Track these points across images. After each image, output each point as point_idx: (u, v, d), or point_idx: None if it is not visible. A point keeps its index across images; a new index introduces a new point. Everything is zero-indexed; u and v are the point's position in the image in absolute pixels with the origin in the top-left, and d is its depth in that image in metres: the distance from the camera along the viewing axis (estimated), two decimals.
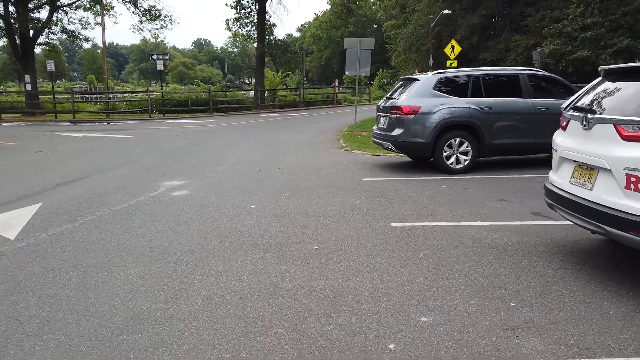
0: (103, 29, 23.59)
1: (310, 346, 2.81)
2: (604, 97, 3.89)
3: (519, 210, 5.84)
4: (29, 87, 26.10)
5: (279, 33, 63.21)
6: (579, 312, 3.20)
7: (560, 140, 4.24)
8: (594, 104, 3.91)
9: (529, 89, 8.50)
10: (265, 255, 4.34)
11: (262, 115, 25.58)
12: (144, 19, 30.42)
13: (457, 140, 8.30)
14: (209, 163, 9.80)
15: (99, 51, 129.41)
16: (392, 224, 5.30)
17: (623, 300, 3.35)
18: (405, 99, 8.39)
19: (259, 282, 3.75)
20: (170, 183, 7.71)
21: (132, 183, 7.69)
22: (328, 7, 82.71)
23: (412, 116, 8.24)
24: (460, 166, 8.37)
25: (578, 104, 4.14)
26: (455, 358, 2.67)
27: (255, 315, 3.19)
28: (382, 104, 9.19)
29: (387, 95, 9.37)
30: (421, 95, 8.34)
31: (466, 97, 8.34)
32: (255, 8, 32.10)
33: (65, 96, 29.52)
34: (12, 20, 25.57)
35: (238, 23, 33.58)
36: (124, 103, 30.03)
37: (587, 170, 3.73)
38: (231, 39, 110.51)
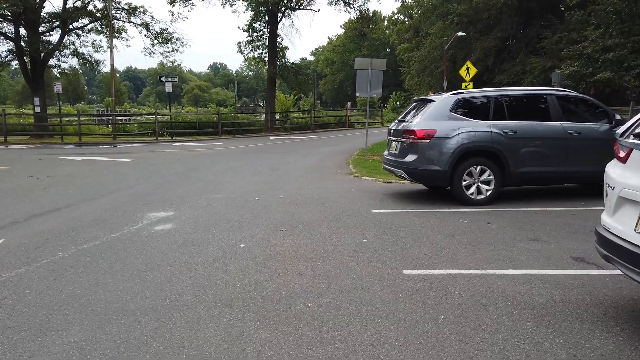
0: (111, 51, 23.39)
1: None
2: None
3: (556, 253, 4.89)
4: (37, 109, 25.92)
5: (291, 56, 63.59)
6: None
7: (618, 174, 3.33)
8: None
9: (558, 111, 7.60)
10: (245, 317, 3.47)
11: (271, 138, 24.97)
12: (155, 42, 30.37)
13: (478, 168, 7.40)
14: (205, 191, 9.03)
15: (117, 75, 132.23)
16: (405, 271, 4.39)
17: None
18: (419, 121, 7.56)
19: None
20: (156, 214, 6.92)
21: (114, 214, 6.91)
22: (342, 31, 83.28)
23: (427, 141, 7.39)
24: (481, 197, 7.45)
25: None
26: None
27: None
28: (394, 127, 8.37)
29: (400, 118, 8.56)
30: (437, 117, 7.51)
31: (488, 119, 7.48)
32: (267, 31, 31.91)
33: (73, 119, 29.37)
34: (22, 44, 25.57)
35: (250, 46, 33.44)
36: (135, 125, 29.80)
37: None
38: (246, 63, 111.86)
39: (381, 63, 14.53)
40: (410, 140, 7.57)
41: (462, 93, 7.74)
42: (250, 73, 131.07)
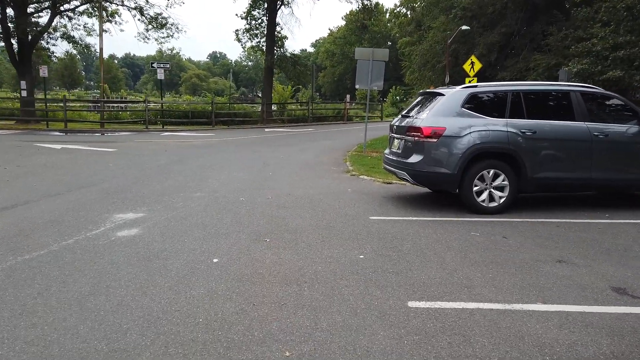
0: (101, 35, 22.30)
1: None
2: None
3: (591, 282, 4.06)
4: (24, 93, 24.85)
5: (291, 46, 62.53)
6: None
7: None
8: None
9: (582, 109, 6.74)
10: None
11: (267, 130, 24.05)
12: (149, 27, 29.27)
13: (491, 171, 6.55)
14: (185, 187, 8.15)
15: (115, 62, 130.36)
16: (410, 304, 3.55)
17: None
18: (426, 118, 6.69)
19: None
20: (124, 216, 6.04)
21: (75, 215, 6.03)
22: (343, 23, 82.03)
23: (435, 140, 6.52)
24: (494, 204, 6.60)
25: None
26: None
27: None
28: (397, 123, 7.49)
29: (403, 113, 7.68)
30: (447, 113, 6.64)
31: (504, 117, 6.61)
32: (266, 19, 30.87)
33: (59, 104, 28.33)
34: (9, 25, 24.45)
35: (248, 34, 32.39)
36: (128, 113, 28.81)
37: None
38: (245, 53, 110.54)
39: (383, 53, 13.62)
40: (416, 138, 6.70)
41: (475, 87, 6.87)
42: (250, 63, 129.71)
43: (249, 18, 31.78)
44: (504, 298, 3.69)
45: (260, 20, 31.77)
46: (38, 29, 25.10)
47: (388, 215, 6.44)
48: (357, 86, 13.98)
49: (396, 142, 7.42)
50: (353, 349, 2.88)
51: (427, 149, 6.57)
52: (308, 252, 4.77)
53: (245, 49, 34.79)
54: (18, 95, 26.90)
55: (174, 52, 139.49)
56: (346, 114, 33.52)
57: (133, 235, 5.21)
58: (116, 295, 3.59)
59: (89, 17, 28.97)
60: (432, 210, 6.82)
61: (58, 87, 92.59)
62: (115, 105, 33.13)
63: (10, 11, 24.55)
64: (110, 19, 28.93)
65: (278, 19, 31.13)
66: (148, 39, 30.50)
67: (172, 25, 29.49)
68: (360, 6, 34.14)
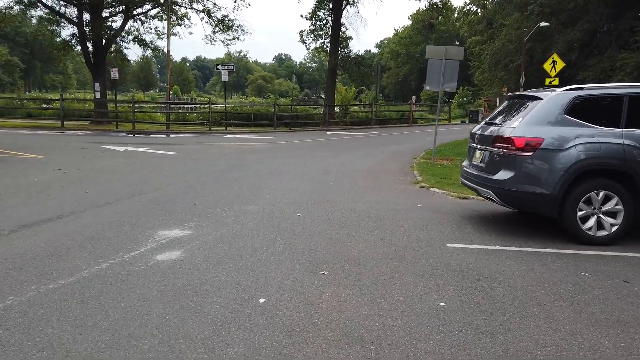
0: (168, 37, 22.62)
1: None
2: None
3: None
4: (98, 95, 25.85)
5: (355, 47, 61.72)
6: None
7: None
8: None
9: None
10: None
11: (328, 132, 23.33)
12: (216, 29, 29.60)
13: (601, 193, 5.33)
14: (239, 198, 7.52)
15: (187, 64, 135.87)
16: None
17: None
18: (519, 126, 5.57)
19: None
20: (169, 233, 5.45)
21: (117, 231, 5.52)
22: (409, 22, 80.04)
23: (529, 153, 5.40)
24: (603, 234, 5.37)
25: None
26: None
27: None
28: (479, 132, 6.40)
29: (487, 119, 6.57)
30: (545, 121, 5.49)
31: (618, 127, 5.37)
32: (331, 19, 30.23)
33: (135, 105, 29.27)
34: (85, 28, 25.50)
35: (312, 35, 31.94)
36: (194, 114, 29.29)
37: None
38: (310, 54, 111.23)
39: (457, 52, 12.41)
40: (505, 150, 5.60)
41: (581, 89, 5.64)
42: (314, 65, 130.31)
43: (313, 19, 31.34)
44: None
45: (325, 20, 31.22)
46: (112, 32, 25.99)
47: (469, 242, 5.41)
48: (427, 87, 12.87)
49: (478, 153, 6.33)
50: None
51: (520, 164, 5.45)
52: (374, 293, 3.88)
53: (310, 50, 34.47)
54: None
55: (242, 54, 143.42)
56: (411, 116, 32.12)
57: (174, 259, 4.57)
58: (137, 351, 2.90)
59: (159, 20, 29.80)
60: (522, 236, 5.69)
61: (134, 89, 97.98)
62: (182, 106, 33.88)
63: (87, 16, 25.67)
64: (179, 22, 29.64)
65: (343, 19, 30.45)
66: (215, 41, 30.81)
67: (238, 27, 29.67)
68: (428, 4, 32.67)
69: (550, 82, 22.08)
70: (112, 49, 27.69)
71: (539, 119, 5.52)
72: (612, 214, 5.37)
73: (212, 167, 10.80)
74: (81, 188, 8.02)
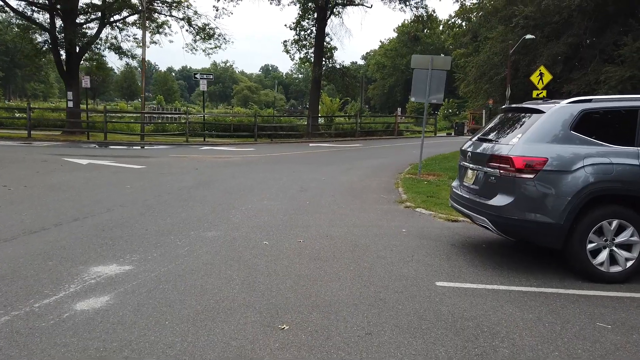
0: (143, 44, 21.66)
1: None
2: None
3: None
4: (70, 104, 24.69)
5: (341, 57, 61.33)
6: None
7: None
8: None
9: None
10: None
11: (311, 145, 22.53)
12: (197, 37, 28.73)
13: (615, 222, 4.56)
14: (200, 222, 6.62)
15: (172, 74, 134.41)
16: None
17: None
18: (518, 143, 4.79)
19: None
20: (103, 270, 4.53)
21: (39, 267, 4.57)
22: (394, 35, 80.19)
23: (531, 175, 4.62)
24: (617, 270, 4.60)
25: None
26: None
27: None
28: (471, 149, 5.61)
29: (480, 135, 5.79)
30: (548, 138, 4.72)
31: (633, 145, 4.63)
32: (315, 29, 29.64)
33: (111, 115, 28.14)
34: (59, 35, 24.40)
35: (297, 45, 31.31)
36: (175, 125, 28.27)
37: None
38: (296, 65, 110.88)
39: (444, 62, 11.72)
40: (502, 171, 4.82)
41: (589, 101, 4.89)
42: (300, 76, 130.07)
43: (298, 29, 30.74)
44: None
45: (309, 30, 30.64)
46: (85, 39, 24.92)
47: (462, 280, 4.58)
48: (412, 98, 12.13)
49: (471, 173, 5.54)
50: None
51: (520, 187, 4.67)
52: (346, 359, 3.02)
53: (294, 60, 33.87)
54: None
55: (228, 64, 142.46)
56: (397, 128, 31.54)
57: (97, 309, 3.65)
58: None
59: (138, 28, 28.83)
60: (523, 271, 4.88)
61: (118, 99, 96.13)
62: (162, 116, 32.82)
63: (60, 22, 24.58)
64: (159, 30, 28.70)
65: (328, 29, 29.91)
66: (196, 49, 29.91)
67: (219, 36, 28.84)
68: (413, 16, 32.35)
69: (537, 95, 21.64)
70: (88, 56, 26.63)
71: (541, 135, 4.75)
72: (627, 246, 4.60)
73: (179, 183, 9.87)
74: (19, 209, 7.02)
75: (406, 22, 68.45)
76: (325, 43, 29.76)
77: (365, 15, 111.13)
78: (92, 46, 25.62)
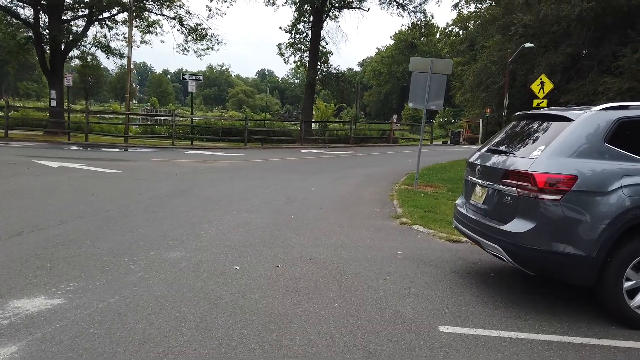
0: (130, 42, 20.76)
1: None
2: None
3: None
4: (54, 103, 23.71)
5: (337, 62, 60.75)
6: None
7: None
8: None
9: None
10: None
11: (303, 150, 21.67)
12: (189, 38, 27.88)
13: None
14: (165, 239, 5.72)
15: (168, 76, 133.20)
16: None
17: None
18: (540, 157, 3.94)
19: None
20: (25, 305, 3.62)
21: None
22: (391, 42, 79.79)
23: (557, 197, 3.77)
24: None
25: None
26: None
27: None
28: (480, 161, 4.77)
29: (491, 145, 4.93)
30: (577, 152, 3.88)
31: None
32: (310, 32, 28.88)
33: (98, 116, 27.16)
34: (44, 32, 23.45)
35: (292, 48, 30.52)
36: (164, 127, 27.38)
37: None
38: (292, 70, 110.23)
39: (446, 65, 10.92)
40: (521, 190, 3.97)
41: (626, 107, 4.06)
42: (296, 80, 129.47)
43: (293, 32, 29.98)
44: None
45: (304, 34, 29.89)
46: (71, 37, 23.98)
47: (470, 324, 3.72)
48: (410, 104, 11.30)
49: (479, 190, 4.69)
50: None
51: (543, 211, 3.82)
52: None
53: (288, 63, 33.20)
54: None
55: (223, 68, 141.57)
56: (392, 135, 30.77)
57: None
58: None
59: (128, 26, 27.92)
60: (542, 311, 4.03)
61: (112, 100, 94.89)
62: (151, 118, 31.91)
63: (45, 18, 23.63)
64: (150, 30, 27.79)
65: (323, 33, 29.17)
66: (187, 50, 29.06)
67: (212, 36, 28.01)
68: (410, 24, 31.77)
69: (538, 104, 20.96)
70: (79, 54, 25.72)
71: (569, 148, 3.91)
72: None
73: (152, 191, 8.96)
74: None
75: (403, 28, 68.14)
76: (320, 47, 29.02)
77: (362, 20, 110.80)
78: (81, 44, 24.66)
